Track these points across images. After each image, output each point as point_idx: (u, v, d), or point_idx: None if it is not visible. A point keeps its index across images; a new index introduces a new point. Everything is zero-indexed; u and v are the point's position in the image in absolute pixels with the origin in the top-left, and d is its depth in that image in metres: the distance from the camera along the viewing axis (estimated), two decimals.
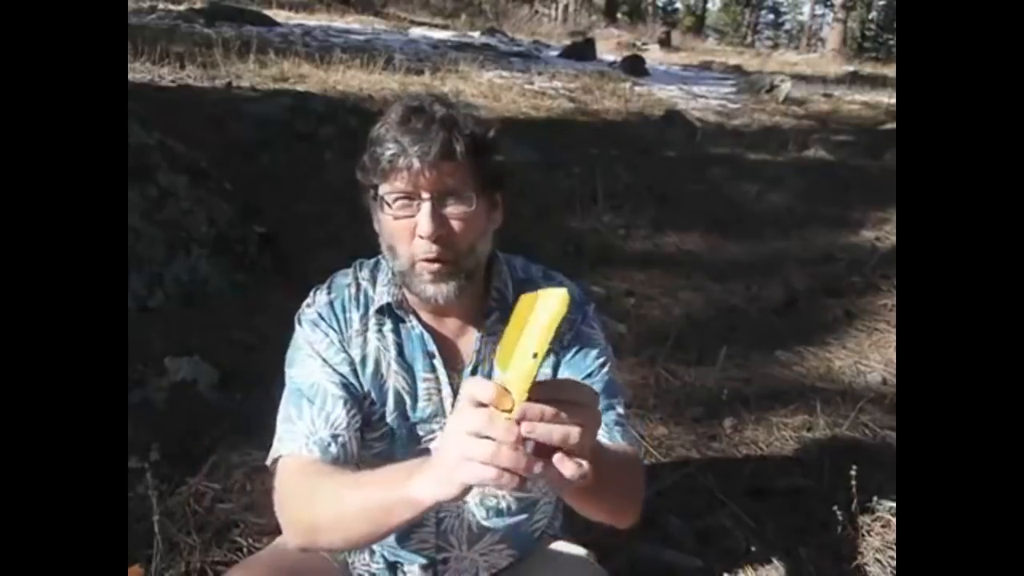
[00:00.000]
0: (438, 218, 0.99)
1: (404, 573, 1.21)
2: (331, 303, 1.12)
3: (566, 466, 0.74)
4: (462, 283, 1.03)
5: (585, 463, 0.75)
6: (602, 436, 1.08)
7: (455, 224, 1.00)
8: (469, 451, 0.72)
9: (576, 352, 1.13)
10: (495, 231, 1.10)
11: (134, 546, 1.59)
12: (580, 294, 1.18)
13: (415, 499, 0.81)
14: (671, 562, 1.71)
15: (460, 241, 1.01)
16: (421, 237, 0.99)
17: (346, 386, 1.07)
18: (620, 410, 1.13)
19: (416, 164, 0.96)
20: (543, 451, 0.74)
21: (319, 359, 1.08)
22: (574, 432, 0.73)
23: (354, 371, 1.09)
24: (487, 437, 0.72)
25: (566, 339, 1.13)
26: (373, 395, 1.10)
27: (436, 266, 1.01)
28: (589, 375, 1.12)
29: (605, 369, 1.14)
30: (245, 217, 3.12)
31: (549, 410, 0.73)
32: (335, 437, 1.03)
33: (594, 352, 1.13)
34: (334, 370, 1.07)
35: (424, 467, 0.81)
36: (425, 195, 0.98)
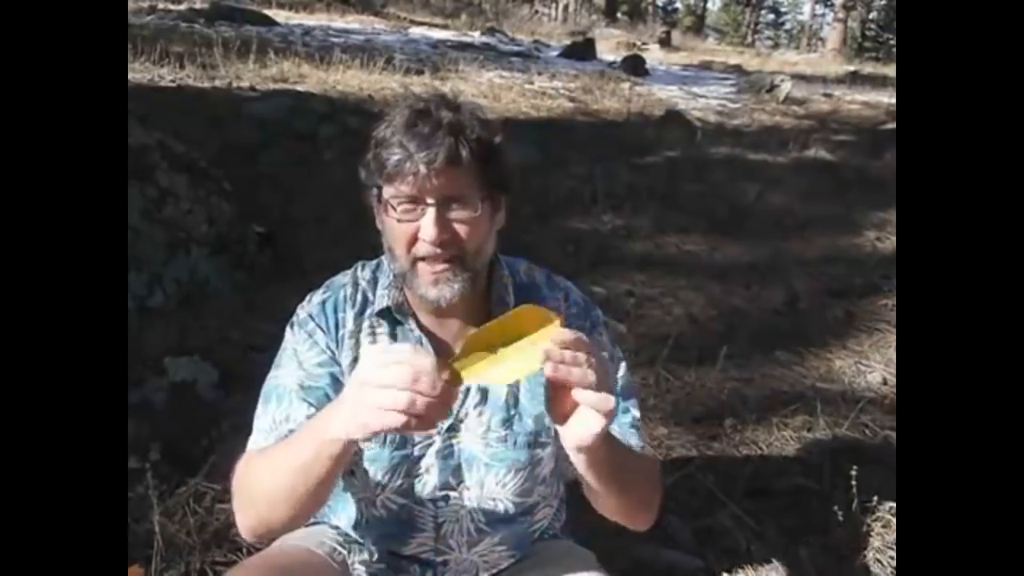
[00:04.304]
0: (442, 223, 0.98)
1: (404, 573, 1.21)
2: (323, 303, 1.13)
3: (590, 419, 0.83)
4: (466, 285, 1.03)
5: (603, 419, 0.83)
6: (619, 438, 1.10)
7: (460, 228, 1.00)
8: (382, 401, 0.79)
9: None
10: (498, 232, 1.10)
11: (134, 546, 1.59)
12: (586, 299, 1.18)
13: (332, 437, 0.88)
14: (671, 562, 1.71)
15: (465, 244, 1.01)
16: (425, 242, 0.99)
17: (314, 388, 1.08)
18: (635, 412, 1.15)
19: (422, 170, 0.96)
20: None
21: (295, 361, 1.10)
22: (590, 374, 0.81)
23: (334, 373, 1.09)
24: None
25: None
26: None
27: (440, 267, 1.01)
28: None
29: (620, 373, 1.15)
30: (245, 217, 3.12)
31: (569, 353, 0.80)
32: (292, 432, 1.04)
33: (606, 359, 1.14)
34: (306, 372, 1.09)
35: (338, 407, 0.87)
36: (430, 200, 0.98)
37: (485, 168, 1.01)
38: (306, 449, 0.92)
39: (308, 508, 1.00)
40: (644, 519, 1.14)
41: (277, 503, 0.99)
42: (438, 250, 1.00)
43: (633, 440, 1.13)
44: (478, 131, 1.00)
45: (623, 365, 1.17)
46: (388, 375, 0.79)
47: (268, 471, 0.99)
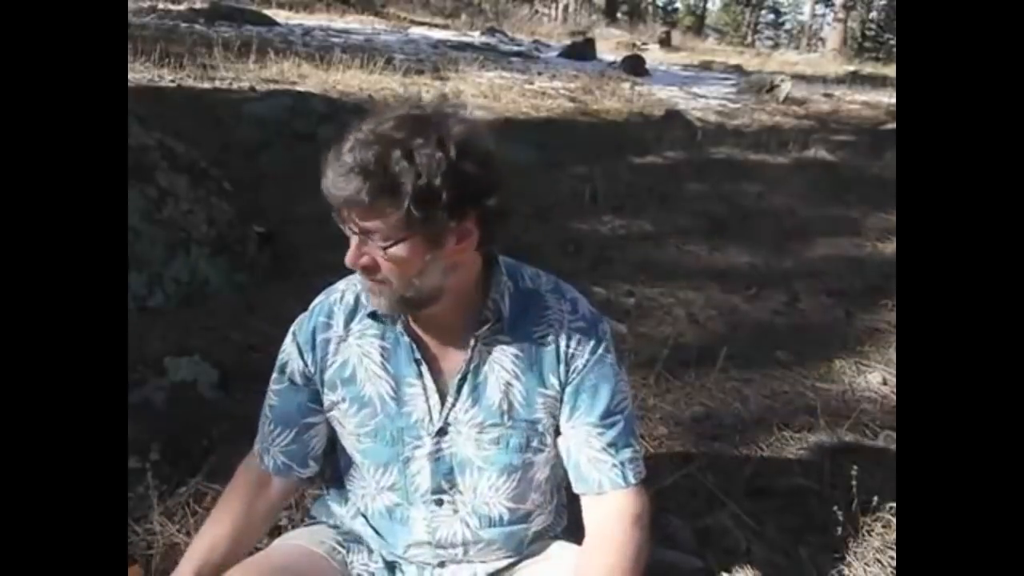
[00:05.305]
0: (358, 252, 0.99)
1: (402, 573, 1.21)
2: (313, 307, 1.18)
3: None
4: (400, 302, 1.03)
5: None
6: (615, 477, 1.11)
7: (380, 261, 0.99)
8: None
9: (594, 386, 1.12)
10: (476, 251, 1.05)
11: (134, 546, 1.59)
12: (594, 313, 1.16)
13: None
14: (671, 562, 1.71)
15: (389, 276, 1.00)
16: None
17: (275, 407, 1.20)
18: (636, 446, 1.14)
19: (334, 203, 0.97)
20: None
21: (273, 376, 1.20)
22: None
23: (281, 390, 1.18)
24: None
25: (581, 362, 1.12)
26: (348, 398, 1.14)
27: (369, 283, 1.03)
28: (609, 414, 1.12)
29: (625, 404, 1.14)
30: (245, 217, 3.12)
31: None
32: (266, 450, 1.21)
33: (611, 383, 1.13)
34: (273, 392, 1.20)
35: None
36: (354, 228, 0.98)
37: (410, 207, 0.93)
38: None
39: None
40: None
41: None
42: (361, 272, 1.02)
43: (630, 476, 1.12)
44: (405, 168, 0.92)
45: (626, 397, 1.15)
46: None
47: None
